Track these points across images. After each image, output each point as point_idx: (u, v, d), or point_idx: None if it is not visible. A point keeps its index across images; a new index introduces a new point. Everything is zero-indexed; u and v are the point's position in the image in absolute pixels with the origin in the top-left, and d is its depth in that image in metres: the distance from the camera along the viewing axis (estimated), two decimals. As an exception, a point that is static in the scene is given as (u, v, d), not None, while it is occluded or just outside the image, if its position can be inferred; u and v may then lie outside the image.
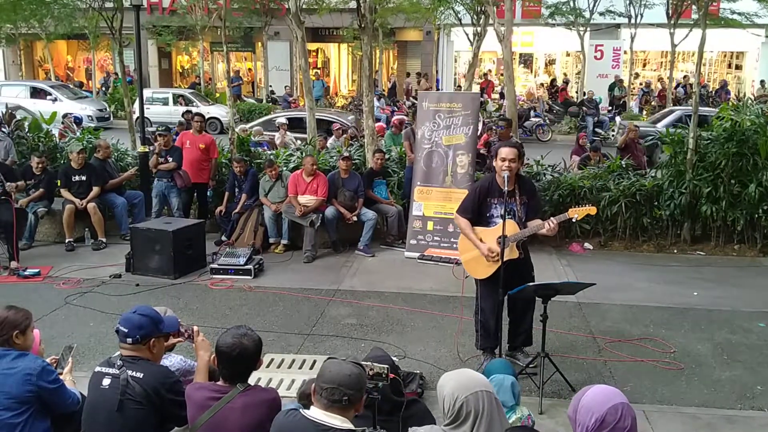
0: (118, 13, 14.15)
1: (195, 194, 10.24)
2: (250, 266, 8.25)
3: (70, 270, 8.41)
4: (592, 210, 5.42)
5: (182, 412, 3.24)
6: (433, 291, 7.78)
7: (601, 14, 22.98)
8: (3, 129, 10.57)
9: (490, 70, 29.73)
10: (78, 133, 12.87)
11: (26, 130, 11.27)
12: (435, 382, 5.19)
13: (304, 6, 15.61)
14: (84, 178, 9.55)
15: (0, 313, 3.59)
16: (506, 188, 5.20)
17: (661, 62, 29.34)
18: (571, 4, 22.70)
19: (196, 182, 10.03)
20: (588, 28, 23.60)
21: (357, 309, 7.23)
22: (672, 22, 20.09)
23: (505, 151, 5.31)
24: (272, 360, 5.79)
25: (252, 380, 3.29)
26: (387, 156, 10.35)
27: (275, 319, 6.95)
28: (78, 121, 17.56)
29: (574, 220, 5.41)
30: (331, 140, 13.69)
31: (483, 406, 2.64)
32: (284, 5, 20.83)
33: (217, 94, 27.32)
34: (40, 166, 9.57)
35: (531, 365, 5.43)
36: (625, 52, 25.37)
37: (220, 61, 32.37)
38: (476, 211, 5.53)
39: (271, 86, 28.97)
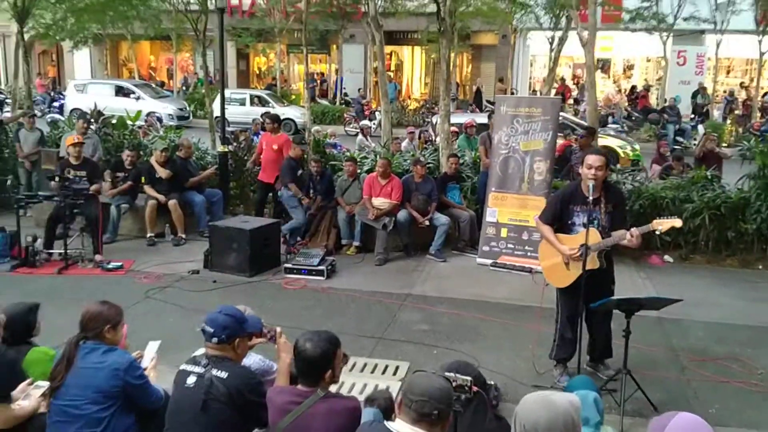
0: (202, 15, 14.54)
1: (270, 194, 10.40)
2: (322, 267, 8.31)
3: (150, 264, 8.66)
4: (677, 222, 5.22)
5: (264, 414, 3.25)
6: (506, 299, 7.66)
7: (685, 20, 22.23)
8: (91, 127, 10.97)
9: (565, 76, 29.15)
10: (161, 131, 13.26)
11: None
12: (509, 394, 5.15)
13: (380, 10, 15.68)
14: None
15: (95, 308, 3.70)
16: (591, 196, 5.11)
17: (746, 70, 28.19)
18: (654, 9, 22.05)
19: (271, 182, 10.18)
20: (671, 34, 22.87)
21: (429, 315, 7.18)
22: (761, 28, 19.26)
23: (592, 159, 5.21)
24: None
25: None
26: (461, 160, 10.27)
27: (347, 321, 6.96)
28: (158, 119, 18.13)
29: (657, 233, 5.24)
30: (404, 143, 13.68)
31: None
32: (360, 9, 21.01)
33: (292, 96, 27.74)
34: (129, 159, 9.95)
35: (613, 379, 5.26)
36: (709, 59, 24.48)
37: (295, 63, 32.89)
38: (558, 218, 5.46)
39: (345, 88, 29.21)
